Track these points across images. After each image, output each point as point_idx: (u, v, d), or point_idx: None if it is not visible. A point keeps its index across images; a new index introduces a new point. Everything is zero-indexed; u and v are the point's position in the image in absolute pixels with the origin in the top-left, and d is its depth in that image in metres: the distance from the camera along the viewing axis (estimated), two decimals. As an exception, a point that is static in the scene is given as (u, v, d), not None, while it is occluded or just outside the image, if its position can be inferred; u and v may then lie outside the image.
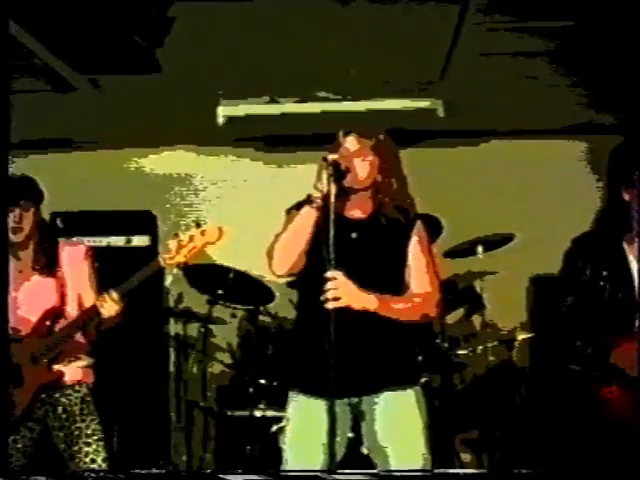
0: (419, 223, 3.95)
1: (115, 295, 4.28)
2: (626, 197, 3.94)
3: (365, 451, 4.06)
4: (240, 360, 6.09)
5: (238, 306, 6.21)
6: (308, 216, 3.80)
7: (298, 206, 3.89)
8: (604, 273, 3.92)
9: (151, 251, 6.32)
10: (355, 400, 3.88)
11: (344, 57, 5.48)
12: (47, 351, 4.33)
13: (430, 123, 6.36)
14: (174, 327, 6.03)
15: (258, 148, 6.99)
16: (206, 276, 5.73)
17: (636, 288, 3.89)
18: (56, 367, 4.35)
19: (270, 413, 5.64)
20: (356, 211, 3.94)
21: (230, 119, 6.23)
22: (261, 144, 6.97)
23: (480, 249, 5.90)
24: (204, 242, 4.22)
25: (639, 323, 3.88)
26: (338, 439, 3.78)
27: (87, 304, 4.42)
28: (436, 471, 3.81)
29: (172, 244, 4.24)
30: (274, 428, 5.55)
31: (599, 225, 4.06)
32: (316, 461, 3.83)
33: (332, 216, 3.68)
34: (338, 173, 3.76)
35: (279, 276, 3.96)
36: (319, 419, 3.80)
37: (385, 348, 3.87)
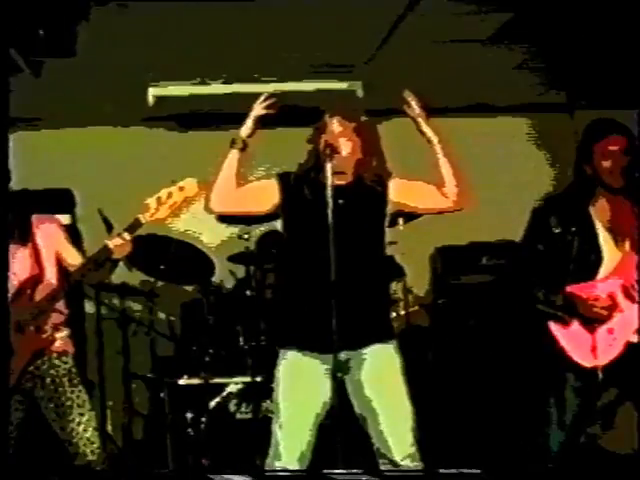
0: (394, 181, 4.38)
1: (127, 235, 4.43)
2: (588, 171, 4.47)
3: (356, 410, 4.31)
4: (183, 332, 6.31)
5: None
6: (232, 157, 4.31)
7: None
8: (573, 229, 4.42)
9: (72, 230, 6.38)
10: (343, 356, 4.18)
11: (275, 40, 5.78)
12: (32, 319, 4.43)
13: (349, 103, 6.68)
14: (120, 301, 6.15)
15: (183, 127, 7.20)
16: (147, 250, 5.88)
17: (600, 245, 4.40)
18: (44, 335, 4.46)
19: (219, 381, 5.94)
20: (337, 180, 4.29)
21: (160, 99, 6.43)
22: (186, 123, 7.18)
23: (401, 221, 6.30)
24: (183, 197, 4.44)
25: None
26: (324, 398, 4.22)
27: (71, 261, 4.56)
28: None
29: (151, 201, 4.43)
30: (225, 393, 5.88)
31: (570, 189, 4.57)
32: (310, 414, 4.21)
33: (329, 192, 4.15)
34: (331, 152, 4.21)
35: (215, 212, 4.47)
36: (313, 375, 4.21)
37: (371, 303, 4.28)
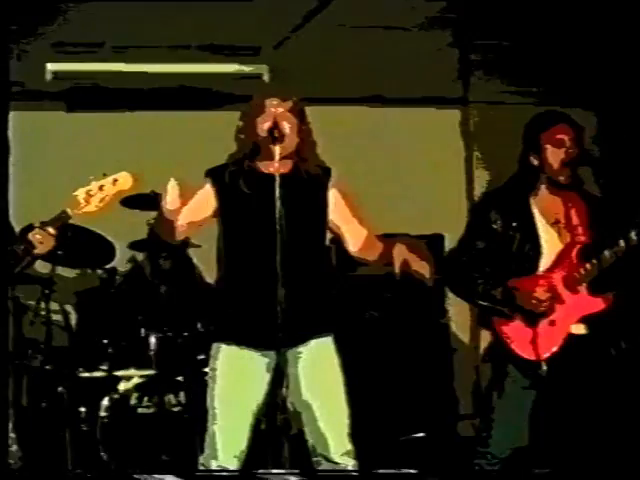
0: (335, 174, 4.22)
1: (51, 229, 4.13)
2: (534, 162, 4.40)
3: (290, 407, 4.23)
4: (80, 321, 5.97)
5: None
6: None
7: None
8: (513, 224, 4.35)
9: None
10: (284, 350, 4.04)
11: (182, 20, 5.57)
12: None
13: (254, 88, 6.48)
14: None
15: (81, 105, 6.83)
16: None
17: (541, 238, 4.35)
18: None
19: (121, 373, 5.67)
20: (273, 169, 4.09)
21: (59, 75, 6.08)
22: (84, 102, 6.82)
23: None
24: (117, 190, 4.19)
25: None
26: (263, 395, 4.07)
27: None
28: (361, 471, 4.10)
29: (80, 194, 4.16)
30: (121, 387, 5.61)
31: (510, 183, 4.49)
32: (249, 412, 4.04)
33: (278, 180, 4.00)
34: (280, 135, 4.05)
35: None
36: (253, 370, 4.05)
37: (314, 296, 4.11)
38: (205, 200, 4.17)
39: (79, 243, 5.54)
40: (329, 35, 5.92)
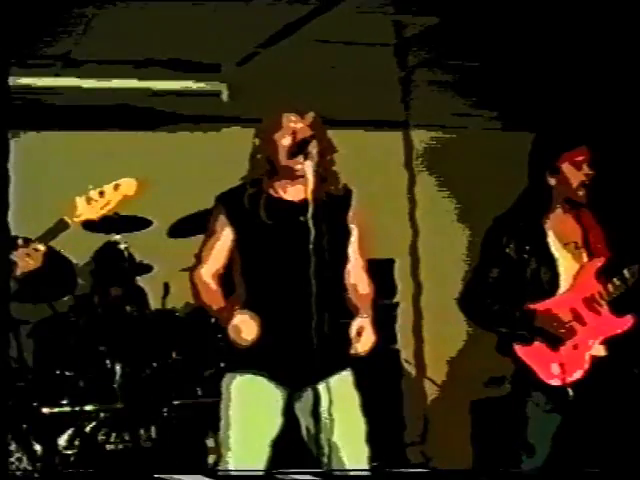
0: (354, 196, 3.97)
1: (40, 246, 3.82)
2: (551, 182, 4.29)
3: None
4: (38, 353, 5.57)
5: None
6: None
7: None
8: (527, 247, 4.24)
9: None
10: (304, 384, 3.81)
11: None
12: None
13: (213, 107, 6.29)
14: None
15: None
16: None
17: (557, 261, 4.24)
18: None
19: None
20: (294, 192, 3.87)
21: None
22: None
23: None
24: (121, 196, 3.90)
25: None
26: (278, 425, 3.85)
27: None
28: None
29: (79, 201, 3.86)
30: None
31: (520, 205, 4.37)
32: (265, 441, 3.81)
33: (312, 202, 3.68)
34: (306, 150, 3.74)
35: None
36: (270, 400, 3.82)
37: (336, 332, 3.82)
38: (224, 236, 3.89)
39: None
40: (287, 55, 5.79)
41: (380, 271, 4.96)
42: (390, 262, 6.93)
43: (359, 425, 3.89)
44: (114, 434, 5.28)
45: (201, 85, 6.07)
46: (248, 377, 3.84)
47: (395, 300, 6.94)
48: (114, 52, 5.64)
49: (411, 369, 7.20)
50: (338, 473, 3.80)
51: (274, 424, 3.84)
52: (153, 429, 5.34)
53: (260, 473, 3.78)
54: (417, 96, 6.82)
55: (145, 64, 5.83)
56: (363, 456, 3.88)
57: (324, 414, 3.74)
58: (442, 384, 7.25)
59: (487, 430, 6.48)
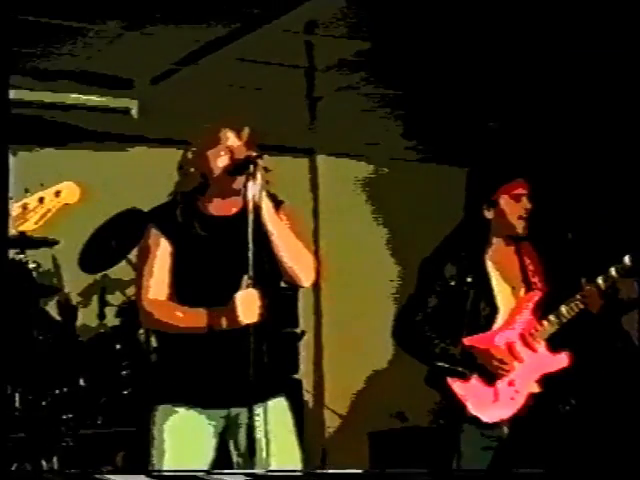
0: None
1: None
2: (488, 215, 4.23)
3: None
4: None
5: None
6: None
7: None
8: (468, 279, 4.16)
9: None
10: (236, 411, 3.69)
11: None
12: None
13: (123, 124, 6.05)
14: None
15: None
16: None
17: (496, 295, 4.19)
18: None
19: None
20: (225, 207, 3.75)
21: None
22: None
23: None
24: (61, 204, 3.60)
25: None
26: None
27: None
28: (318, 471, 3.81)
29: (15, 209, 3.53)
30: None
31: (457, 237, 4.29)
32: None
33: (251, 220, 3.54)
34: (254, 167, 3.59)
35: None
36: (201, 433, 3.70)
37: (266, 355, 3.68)
38: (161, 251, 3.72)
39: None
40: (203, 74, 5.63)
41: (284, 299, 4.81)
42: (294, 290, 6.80)
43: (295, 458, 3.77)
44: (15, 464, 4.98)
45: (111, 101, 5.84)
46: (180, 415, 3.68)
47: (299, 329, 6.81)
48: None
49: (311, 399, 7.08)
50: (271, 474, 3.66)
51: (206, 464, 3.71)
52: (55, 459, 5.07)
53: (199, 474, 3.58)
54: (327, 122, 6.73)
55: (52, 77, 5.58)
56: None
57: (260, 447, 3.62)
58: (342, 415, 7.15)
59: (386, 462, 6.44)
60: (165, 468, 3.64)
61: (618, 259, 4.06)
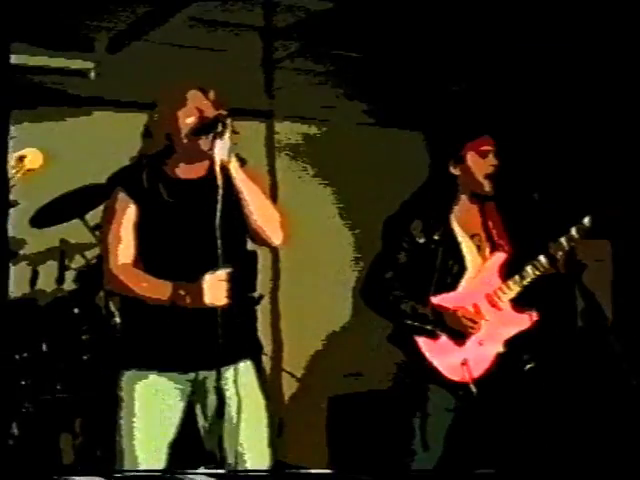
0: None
1: None
2: (455, 171, 4.22)
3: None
4: None
5: None
6: None
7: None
8: (435, 237, 4.16)
9: None
10: (203, 375, 3.69)
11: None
12: None
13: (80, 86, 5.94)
14: None
15: None
16: None
17: (463, 253, 4.19)
18: None
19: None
20: (191, 171, 3.72)
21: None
22: None
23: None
24: (25, 170, 3.58)
25: None
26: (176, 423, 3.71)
27: None
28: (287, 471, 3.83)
29: None
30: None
31: (426, 194, 4.28)
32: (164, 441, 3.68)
33: (221, 185, 3.52)
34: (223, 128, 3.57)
35: None
36: (169, 401, 3.70)
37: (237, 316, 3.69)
38: (127, 215, 3.68)
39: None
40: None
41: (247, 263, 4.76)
42: (252, 254, 6.76)
43: (263, 425, 3.77)
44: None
45: (70, 63, 5.73)
46: (148, 380, 3.67)
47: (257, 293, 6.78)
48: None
49: (269, 363, 7.06)
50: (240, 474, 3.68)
51: (174, 427, 3.72)
52: (14, 425, 5.01)
53: (157, 474, 3.62)
54: (285, 86, 6.68)
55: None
56: (265, 459, 3.77)
57: (229, 415, 3.62)
58: (301, 379, 7.14)
59: (346, 425, 6.44)
60: (135, 432, 3.63)
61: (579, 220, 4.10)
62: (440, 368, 4.09)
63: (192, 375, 3.70)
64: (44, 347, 5.20)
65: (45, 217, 5.46)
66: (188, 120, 3.65)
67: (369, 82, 6.35)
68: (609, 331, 4.52)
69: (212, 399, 3.66)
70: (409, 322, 4.13)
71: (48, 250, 5.72)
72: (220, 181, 3.50)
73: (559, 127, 5.86)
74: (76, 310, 5.41)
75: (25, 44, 5.46)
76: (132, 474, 3.59)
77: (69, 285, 5.62)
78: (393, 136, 7.12)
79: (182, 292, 3.55)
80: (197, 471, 3.66)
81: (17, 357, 5.11)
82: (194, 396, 3.74)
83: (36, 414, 5.09)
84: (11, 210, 5.20)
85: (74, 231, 5.64)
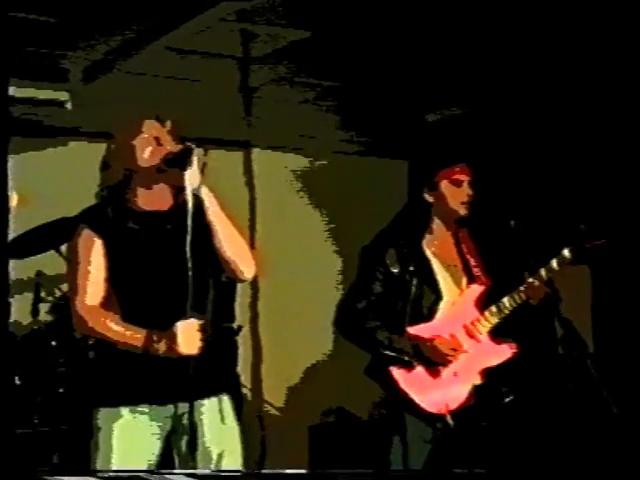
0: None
1: None
2: (429, 199, 4.20)
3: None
4: None
5: None
6: None
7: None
8: (410, 268, 4.13)
9: None
10: (182, 411, 3.58)
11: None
12: None
13: (56, 117, 5.92)
14: None
15: None
16: None
17: (438, 282, 4.16)
18: None
19: None
20: (154, 201, 3.65)
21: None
22: None
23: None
24: None
25: None
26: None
27: None
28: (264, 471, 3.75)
29: None
30: None
31: (400, 223, 4.27)
32: None
33: (190, 211, 3.43)
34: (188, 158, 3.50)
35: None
36: (146, 432, 3.61)
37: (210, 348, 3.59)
38: (95, 252, 3.59)
39: None
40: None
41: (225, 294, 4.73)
42: (231, 285, 6.71)
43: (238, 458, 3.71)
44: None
45: (45, 93, 5.69)
46: (125, 417, 3.58)
47: (236, 324, 6.73)
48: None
49: (249, 394, 7.00)
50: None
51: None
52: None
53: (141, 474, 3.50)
54: (262, 114, 6.66)
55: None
56: None
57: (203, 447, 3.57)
58: (281, 408, 7.09)
59: (326, 456, 6.40)
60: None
61: (557, 251, 4.08)
62: (416, 399, 4.05)
63: (170, 411, 3.62)
64: (19, 379, 5.13)
65: (20, 248, 5.40)
66: (146, 150, 3.59)
67: (347, 111, 6.34)
68: (588, 358, 4.50)
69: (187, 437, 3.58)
70: (386, 352, 4.09)
71: (22, 282, 5.67)
72: (190, 211, 3.43)
73: (537, 154, 5.86)
74: (53, 342, 5.36)
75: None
76: (116, 474, 3.49)
77: (44, 317, 5.57)
78: (372, 165, 7.11)
79: (155, 340, 3.49)
80: (179, 471, 3.57)
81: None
82: (173, 435, 3.65)
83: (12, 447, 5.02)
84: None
85: (50, 263, 5.59)
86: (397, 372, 4.08)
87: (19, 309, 5.56)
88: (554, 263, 4.06)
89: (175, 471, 3.59)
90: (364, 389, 4.55)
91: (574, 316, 4.25)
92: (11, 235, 5.08)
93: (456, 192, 4.17)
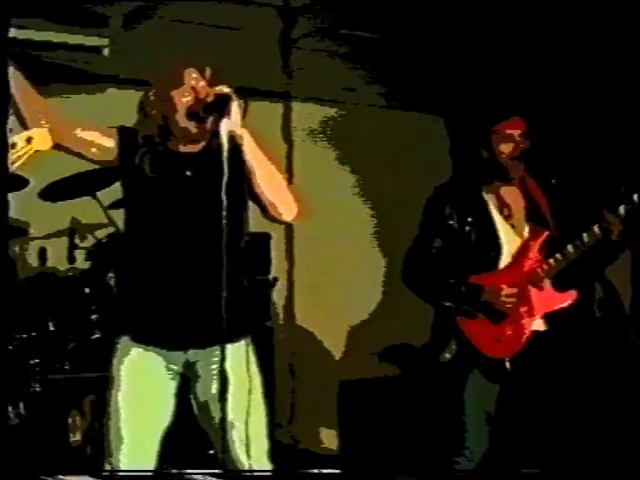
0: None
1: None
2: (485, 155, 4.23)
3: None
4: None
5: None
6: None
7: None
8: (469, 219, 4.18)
9: None
10: (192, 355, 3.59)
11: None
12: None
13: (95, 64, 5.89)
14: None
15: None
16: None
17: (499, 232, 4.21)
18: None
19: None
20: (188, 145, 3.63)
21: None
22: None
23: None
24: (32, 150, 3.46)
25: None
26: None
27: None
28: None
29: None
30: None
31: (459, 176, 4.39)
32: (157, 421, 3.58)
33: (226, 156, 3.33)
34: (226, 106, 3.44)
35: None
36: (159, 375, 3.59)
37: (228, 295, 3.43)
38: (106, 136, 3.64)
39: None
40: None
41: (255, 246, 4.69)
42: (266, 236, 6.68)
43: (261, 412, 3.64)
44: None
45: (83, 39, 5.66)
46: (139, 356, 3.57)
47: (272, 276, 6.70)
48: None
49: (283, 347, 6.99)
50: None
51: (167, 412, 3.61)
52: (21, 405, 4.98)
53: (149, 474, 3.54)
54: (303, 66, 6.60)
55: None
56: (263, 452, 3.65)
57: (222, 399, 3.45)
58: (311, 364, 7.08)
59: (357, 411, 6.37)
60: (120, 407, 3.54)
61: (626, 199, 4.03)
62: (479, 347, 4.11)
63: (183, 356, 3.61)
64: (53, 326, 5.16)
65: (55, 192, 5.40)
66: (185, 100, 3.55)
67: (388, 64, 6.27)
68: (627, 321, 4.48)
69: (205, 378, 3.58)
70: (447, 304, 4.16)
71: (58, 230, 5.68)
72: (226, 152, 3.35)
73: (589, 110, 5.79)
74: (87, 290, 5.37)
75: (40, 19, 5.43)
76: (121, 474, 3.49)
77: (80, 264, 5.58)
78: (411, 119, 7.06)
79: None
80: (189, 471, 3.60)
81: (25, 336, 5.07)
82: (189, 373, 3.64)
83: (44, 393, 5.06)
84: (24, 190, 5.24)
85: (85, 210, 5.59)
86: (462, 322, 4.15)
87: (55, 256, 5.59)
88: (622, 209, 4.00)
89: (187, 471, 3.62)
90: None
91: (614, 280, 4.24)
92: (46, 179, 5.21)
93: (506, 147, 4.18)
